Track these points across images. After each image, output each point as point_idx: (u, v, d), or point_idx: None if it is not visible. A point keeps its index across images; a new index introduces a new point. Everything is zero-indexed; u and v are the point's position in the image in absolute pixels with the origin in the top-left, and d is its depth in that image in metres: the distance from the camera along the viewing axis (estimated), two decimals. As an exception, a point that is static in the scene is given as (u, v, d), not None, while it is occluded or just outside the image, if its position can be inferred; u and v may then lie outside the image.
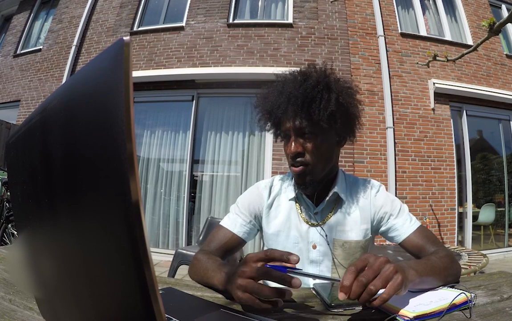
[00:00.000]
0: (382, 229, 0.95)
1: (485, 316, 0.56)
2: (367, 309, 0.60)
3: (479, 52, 5.27)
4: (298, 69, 0.94)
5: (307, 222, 0.95)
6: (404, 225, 0.91)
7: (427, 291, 0.65)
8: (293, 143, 0.88)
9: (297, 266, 0.93)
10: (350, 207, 0.95)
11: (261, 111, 0.96)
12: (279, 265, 0.57)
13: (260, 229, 1.01)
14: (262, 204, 0.99)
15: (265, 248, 1.01)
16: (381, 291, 0.53)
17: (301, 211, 0.97)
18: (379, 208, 0.95)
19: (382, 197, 0.97)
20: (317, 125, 0.85)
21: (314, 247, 0.94)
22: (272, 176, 1.09)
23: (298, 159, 0.88)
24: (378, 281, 0.53)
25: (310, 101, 0.84)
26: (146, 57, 5.43)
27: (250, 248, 4.56)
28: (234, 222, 0.97)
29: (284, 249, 0.94)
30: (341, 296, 0.52)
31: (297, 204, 0.98)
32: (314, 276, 0.62)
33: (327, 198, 0.94)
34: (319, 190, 0.94)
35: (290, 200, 0.98)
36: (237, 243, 0.96)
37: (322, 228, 0.93)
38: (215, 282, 0.70)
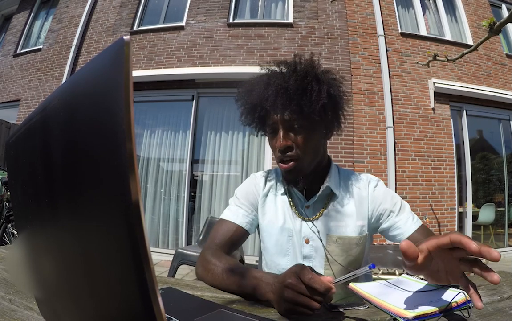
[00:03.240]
0: (383, 226, 0.93)
1: (485, 316, 0.56)
2: (366, 307, 0.60)
3: (479, 52, 5.27)
4: (284, 61, 0.91)
5: (299, 216, 0.94)
6: (407, 222, 0.90)
7: (427, 291, 0.65)
8: (281, 137, 0.84)
9: (290, 261, 0.93)
10: (345, 201, 0.94)
11: (245, 105, 0.92)
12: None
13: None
14: (258, 193, 0.98)
15: (261, 243, 1.00)
16: None
17: (293, 205, 0.96)
18: (378, 204, 0.93)
19: (381, 192, 0.95)
20: (307, 118, 0.83)
21: (307, 241, 0.92)
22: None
23: (288, 153, 0.85)
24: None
25: (301, 93, 0.82)
26: (146, 57, 5.43)
27: (250, 246, 4.56)
28: (235, 213, 0.95)
29: (277, 242, 0.94)
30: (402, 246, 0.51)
31: (289, 198, 0.97)
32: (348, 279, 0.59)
33: (319, 193, 0.92)
34: (309, 183, 0.92)
35: (282, 194, 0.97)
36: (242, 234, 0.94)
37: (313, 223, 0.92)
38: (248, 290, 0.67)
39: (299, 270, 0.58)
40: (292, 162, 0.86)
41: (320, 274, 0.58)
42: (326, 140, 0.96)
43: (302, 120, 0.84)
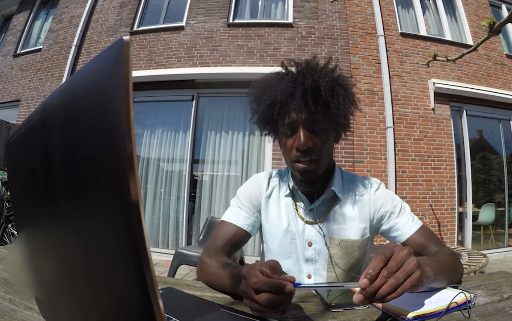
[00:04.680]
0: (383, 228, 0.94)
1: (485, 316, 0.56)
2: (366, 307, 0.60)
3: (479, 52, 5.27)
4: (306, 60, 0.89)
5: (302, 219, 0.94)
6: (406, 224, 0.90)
7: (426, 291, 0.65)
8: (302, 137, 0.83)
9: (293, 263, 0.93)
10: (348, 205, 0.94)
11: (263, 101, 0.88)
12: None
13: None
14: (261, 195, 0.98)
15: (264, 245, 1.00)
16: None
17: (297, 208, 0.96)
18: (379, 206, 0.93)
19: (382, 195, 0.95)
20: (329, 120, 0.84)
21: (310, 244, 0.92)
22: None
23: (308, 154, 0.84)
24: (401, 274, 0.50)
25: (332, 96, 0.82)
26: (146, 57, 5.43)
27: (250, 246, 4.56)
28: (237, 215, 0.94)
29: (281, 244, 0.94)
30: (364, 283, 0.49)
31: (293, 200, 0.97)
32: (316, 286, 0.57)
33: (324, 196, 0.92)
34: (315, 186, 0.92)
35: (286, 196, 0.97)
36: (243, 236, 0.93)
37: (319, 226, 0.92)
38: (229, 288, 0.68)
39: (245, 273, 0.55)
40: (310, 162, 0.85)
41: (284, 274, 0.55)
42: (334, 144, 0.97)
43: (323, 122, 0.84)
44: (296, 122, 0.84)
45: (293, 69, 0.89)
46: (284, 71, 0.90)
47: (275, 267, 0.55)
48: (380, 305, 0.60)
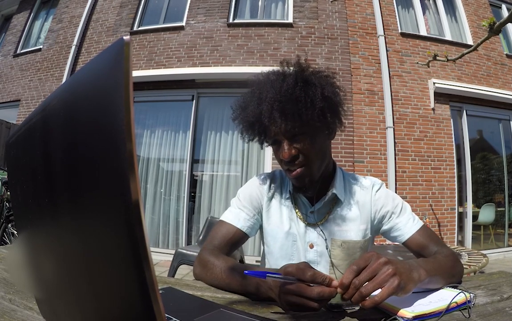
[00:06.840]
0: (384, 228, 0.94)
1: (485, 316, 0.56)
2: (366, 308, 0.60)
3: (479, 52, 5.26)
4: (272, 69, 0.89)
5: (304, 221, 0.94)
6: (407, 224, 0.90)
7: (426, 292, 0.65)
8: (286, 148, 0.83)
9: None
10: (349, 206, 0.94)
11: (242, 123, 0.90)
12: (257, 270, 0.59)
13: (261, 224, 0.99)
14: (263, 197, 0.97)
15: (265, 247, 1.00)
16: (378, 291, 0.53)
17: (297, 210, 0.95)
18: (380, 207, 0.93)
19: (382, 195, 0.95)
20: (307, 124, 0.82)
21: (311, 246, 0.92)
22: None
23: (295, 162, 0.84)
24: (371, 285, 0.54)
25: (296, 102, 0.80)
26: (146, 57, 5.43)
27: (250, 246, 4.56)
28: (237, 216, 0.94)
29: (282, 246, 0.94)
30: (338, 290, 0.56)
31: (294, 202, 0.96)
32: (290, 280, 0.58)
33: (325, 199, 0.92)
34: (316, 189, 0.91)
35: (286, 198, 0.96)
36: (241, 237, 0.93)
37: (320, 228, 0.92)
38: (251, 289, 0.68)
39: (294, 270, 0.57)
40: (300, 168, 0.84)
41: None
42: (330, 141, 0.94)
43: (303, 126, 0.82)
44: (278, 135, 0.84)
45: (262, 81, 0.88)
46: (254, 88, 0.89)
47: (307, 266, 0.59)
48: (380, 305, 0.59)
